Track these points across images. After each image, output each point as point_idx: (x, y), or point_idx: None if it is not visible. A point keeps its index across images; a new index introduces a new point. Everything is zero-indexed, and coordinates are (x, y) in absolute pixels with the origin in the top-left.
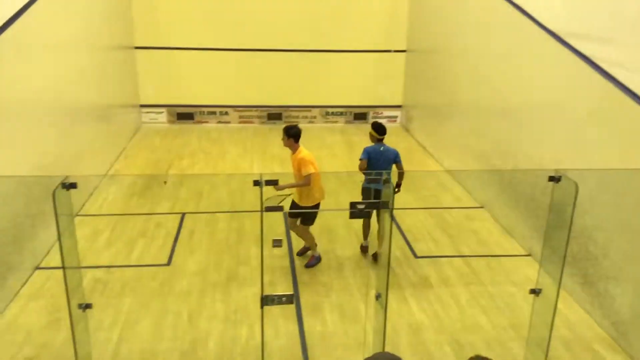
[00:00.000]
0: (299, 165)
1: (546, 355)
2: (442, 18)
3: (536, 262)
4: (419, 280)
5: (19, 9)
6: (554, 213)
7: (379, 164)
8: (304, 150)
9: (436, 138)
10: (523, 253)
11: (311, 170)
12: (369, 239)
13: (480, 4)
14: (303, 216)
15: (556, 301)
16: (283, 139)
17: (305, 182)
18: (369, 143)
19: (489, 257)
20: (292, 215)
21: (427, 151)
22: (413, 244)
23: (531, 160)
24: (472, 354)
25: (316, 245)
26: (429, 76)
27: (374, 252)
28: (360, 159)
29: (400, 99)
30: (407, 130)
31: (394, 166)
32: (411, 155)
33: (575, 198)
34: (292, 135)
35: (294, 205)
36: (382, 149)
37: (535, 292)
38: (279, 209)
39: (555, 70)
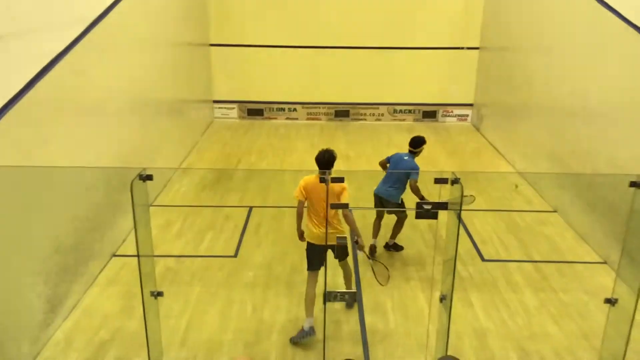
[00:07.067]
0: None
1: None
2: (519, 14)
3: (613, 270)
4: (486, 285)
5: (105, 9)
6: (634, 220)
7: (393, 169)
8: None
9: (508, 138)
10: (598, 260)
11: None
12: (377, 238)
13: None
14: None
15: (634, 312)
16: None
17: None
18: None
19: (561, 263)
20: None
21: (498, 151)
22: (481, 247)
23: (612, 164)
24: None
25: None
26: (503, 74)
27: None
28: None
29: (471, 97)
30: (477, 129)
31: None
32: (481, 155)
33: None
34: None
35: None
36: (406, 157)
37: (610, 301)
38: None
39: None
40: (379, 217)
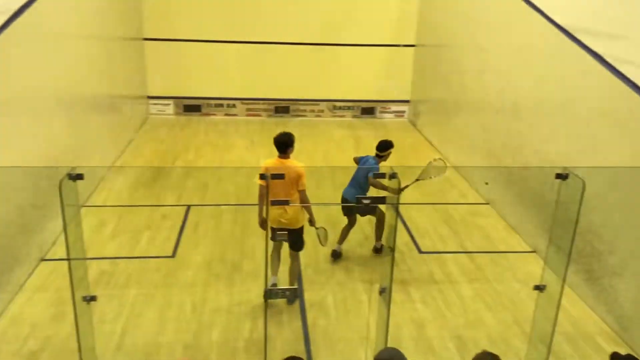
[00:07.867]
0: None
1: (549, 350)
2: (453, 13)
3: (541, 258)
4: (423, 276)
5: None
6: (560, 210)
7: (357, 171)
8: None
9: (443, 134)
10: (528, 250)
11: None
12: (342, 245)
13: None
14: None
15: (560, 297)
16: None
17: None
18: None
19: (494, 254)
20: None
21: (433, 146)
22: (418, 239)
23: (540, 157)
24: (475, 350)
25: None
26: (438, 71)
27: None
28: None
29: (408, 94)
30: (414, 125)
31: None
32: (418, 150)
33: (582, 195)
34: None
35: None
36: (369, 160)
37: (539, 288)
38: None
39: (565, 66)
40: (350, 224)
